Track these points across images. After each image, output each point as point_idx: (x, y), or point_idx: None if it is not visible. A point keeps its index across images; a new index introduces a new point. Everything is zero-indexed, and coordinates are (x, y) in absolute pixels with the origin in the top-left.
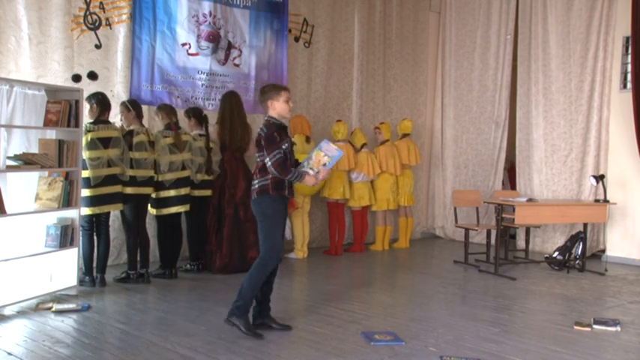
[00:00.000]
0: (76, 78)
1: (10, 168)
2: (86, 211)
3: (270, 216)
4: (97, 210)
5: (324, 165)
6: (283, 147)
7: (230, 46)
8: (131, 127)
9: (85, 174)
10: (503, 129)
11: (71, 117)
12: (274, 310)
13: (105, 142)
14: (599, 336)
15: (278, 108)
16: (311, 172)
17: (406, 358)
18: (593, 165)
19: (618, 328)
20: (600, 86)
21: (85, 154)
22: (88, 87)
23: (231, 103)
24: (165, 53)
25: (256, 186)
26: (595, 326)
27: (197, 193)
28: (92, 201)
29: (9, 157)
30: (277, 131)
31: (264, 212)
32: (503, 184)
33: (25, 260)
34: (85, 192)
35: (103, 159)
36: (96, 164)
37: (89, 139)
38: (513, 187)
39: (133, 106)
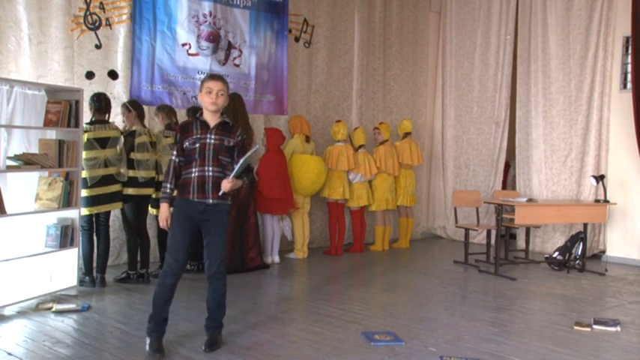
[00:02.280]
0: (89, 75)
1: (10, 168)
2: (84, 211)
3: (173, 219)
4: (95, 210)
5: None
6: (186, 144)
7: (230, 47)
8: (134, 128)
9: (82, 174)
10: (503, 129)
11: (71, 117)
12: (275, 310)
13: (102, 142)
14: (599, 336)
15: (201, 100)
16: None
17: (406, 358)
18: (593, 165)
19: (618, 329)
20: (600, 86)
21: (82, 155)
22: (88, 87)
23: (235, 104)
24: (165, 53)
25: None
26: (595, 326)
27: None
28: (90, 201)
29: (9, 157)
30: (181, 130)
31: (172, 214)
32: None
33: (25, 260)
34: (83, 192)
35: (99, 159)
36: (92, 164)
37: (85, 139)
38: None
39: (133, 106)
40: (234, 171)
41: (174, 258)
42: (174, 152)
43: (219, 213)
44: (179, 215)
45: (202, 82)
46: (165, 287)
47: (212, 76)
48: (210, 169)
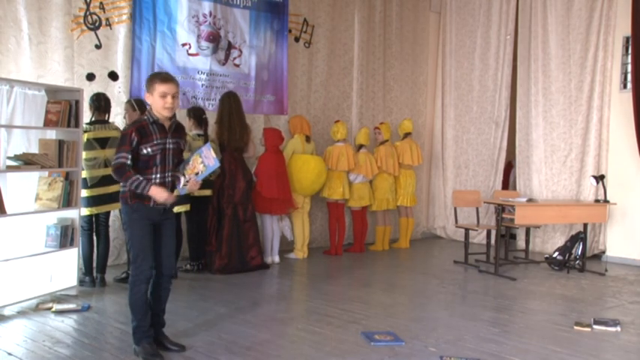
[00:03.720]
0: (90, 77)
1: (10, 168)
2: (84, 211)
3: (130, 227)
4: (95, 210)
5: (197, 174)
6: (147, 149)
7: (230, 47)
8: None
9: (82, 174)
10: (503, 129)
11: (71, 117)
12: (275, 310)
13: (102, 143)
14: (599, 336)
15: (153, 103)
16: (182, 179)
17: (406, 358)
18: (593, 165)
19: (618, 329)
20: (600, 86)
21: (82, 155)
22: (88, 87)
23: (230, 103)
24: (165, 53)
25: (120, 193)
26: (595, 326)
27: (197, 192)
28: (90, 201)
29: (9, 157)
30: (137, 131)
31: (126, 223)
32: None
33: (25, 260)
34: (83, 192)
35: (99, 159)
36: (92, 164)
37: (85, 139)
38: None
39: (138, 105)
40: (204, 174)
41: (145, 265)
42: (128, 156)
43: (172, 211)
44: (141, 221)
45: (151, 82)
46: (141, 295)
47: (165, 78)
48: (169, 174)
